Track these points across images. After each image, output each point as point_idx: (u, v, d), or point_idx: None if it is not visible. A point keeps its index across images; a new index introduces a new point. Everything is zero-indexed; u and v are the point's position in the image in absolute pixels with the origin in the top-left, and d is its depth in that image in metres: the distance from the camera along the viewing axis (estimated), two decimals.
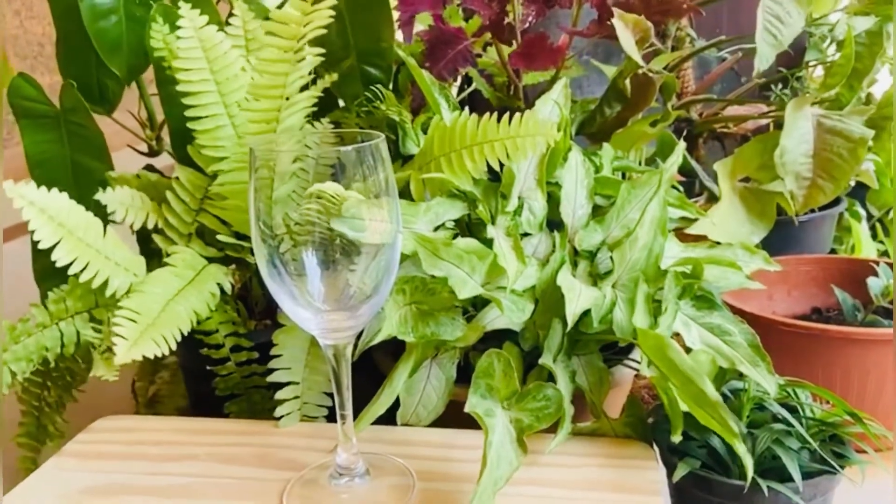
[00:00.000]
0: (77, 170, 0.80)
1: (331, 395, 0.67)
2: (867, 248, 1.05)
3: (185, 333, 0.64)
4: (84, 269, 0.64)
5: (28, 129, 0.78)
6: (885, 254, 1.08)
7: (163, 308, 0.65)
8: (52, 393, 0.74)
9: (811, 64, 0.94)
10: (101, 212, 0.69)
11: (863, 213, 1.07)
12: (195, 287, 0.69)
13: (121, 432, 0.67)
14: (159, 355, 0.61)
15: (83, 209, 0.65)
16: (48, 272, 0.75)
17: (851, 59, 0.81)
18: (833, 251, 1.03)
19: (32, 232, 0.62)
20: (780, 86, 0.95)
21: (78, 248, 0.64)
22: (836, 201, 0.98)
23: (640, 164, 0.83)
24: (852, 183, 0.99)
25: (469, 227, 0.68)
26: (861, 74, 0.82)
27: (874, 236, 1.09)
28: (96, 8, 0.76)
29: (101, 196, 0.69)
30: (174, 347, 0.62)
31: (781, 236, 0.89)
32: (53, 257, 0.62)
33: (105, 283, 0.65)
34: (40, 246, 0.62)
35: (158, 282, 0.67)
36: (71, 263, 0.63)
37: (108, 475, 0.60)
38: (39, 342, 0.67)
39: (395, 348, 0.66)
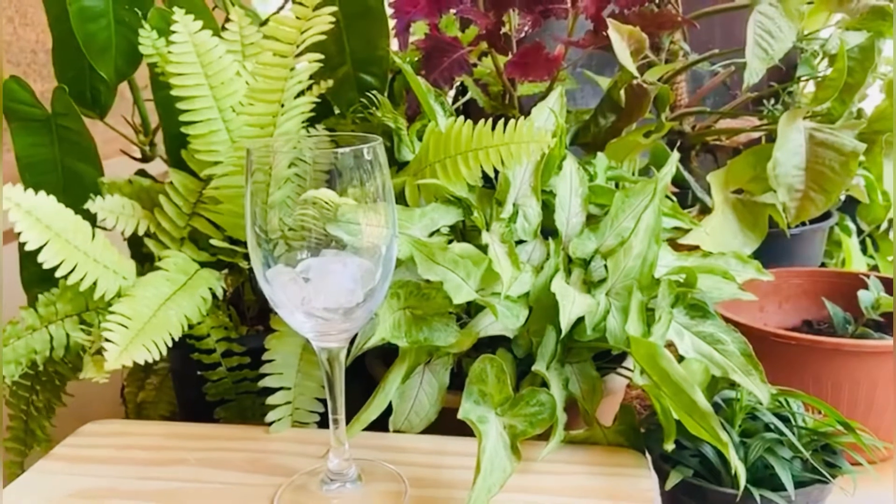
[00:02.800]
0: (67, 174, 0.80)
1: (322, 401, 0.67)
2: (857, 262, 1.05)
3: (176, 339, 0.64)
4: (72, 271, 0.63)
5: (18, 132, 0.78)
6: (874, 268, 1.09)
7: (154, 313, 0.65)
8: (40, 397, 0.74)
9: (803, 79, 0.95)
10: (90, 216, 0.68)
11: (853, 227, 1.08)
12: (187, 292, 0.69)
13: (110, 436, 0.66)
14: (150, 361, 0.60)
15: (71, 212, 0.65)
16: (36, 277, 0.75)
17: (844, 74, 0.81)
18: (823, 265, 1.03)
19: (19, 234, 0.61)
20: (771, 100, 0.96)
21: (65, 251, 0.63)
22: (827, 215, 0.98)
23: (633, 174, 0.84)
24: (843, 197, 1.00)
25: (464, 233, 0.68)
26: (853, 89, 0.83)
27: (864, 251, 1.10)
28: (85, 11, 0.76)
29: (91, 205, 0.69)
30: (165, 353, 0.62)
31: (773, 249, 0.89)
32: (40, 259, 0.62)
33: (94, 286, 0.65)
34: (27, 248, 0.61)
35: (149, 286, 0.67)
36: (58, 266, 0.63)
37: (96, 479, 0.60)
38: (28, 345, 0.67)
39: (387, 355, 0.66)
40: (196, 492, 0.58)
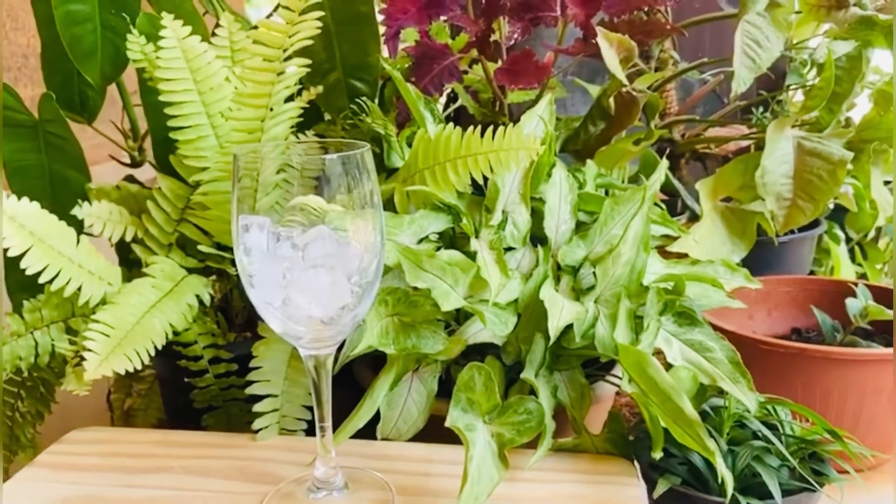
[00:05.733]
0: (54, 179, 0.80)
1: (310, 409, 0.66)
2: (846, 271, 1.06)
3: (160, 347, 0.63)
4: (56, 276, 0.63)
5: (5, 138, 0.78)
6: (863, 276, 1.10)
7: (137, 321, 0.64)
8: (25, 403, 0.73)
9: (791, 88, 0.95)
10: (77, 222, 0.68)
11: (841, 235, 1.08)
12: (173, 298, 0.68)
13: (95, 444, 0.65)
14: (131, 370, 0.60)
15: (55, 218, 0.64)
16: (21, 283, 0.74)
17: (832, 82, 0.82)
18: (812, 273, 1.03)
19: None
20: (760, 109, 0.97)
21: (49, 256, 0.63)
22: (816, 223, 0.99)
23: (622, 181, 0.84)
24: (831, 206, 1.00)
25: (453, 240, 0.68)
26: (841, 98, 0.83)
27: (853, 259, 1.10)
28: (71, 15, 0.76)
29: (78, 210, 0.68)
30: (147, 361, 0.61)
31: (762, 257, 0.89)
32: (23, 264, 0.61)
33: (78, 292, 0.64)
34: (10, 253, 0.61)
35: (135, 293, 0.66)
36: (42, 272, 0.62)
37: (81, 487, 0.59)
38: (13, 351, 0.66)
39: (375, 363, 0.66)
40: (181, 500, 0.57)
